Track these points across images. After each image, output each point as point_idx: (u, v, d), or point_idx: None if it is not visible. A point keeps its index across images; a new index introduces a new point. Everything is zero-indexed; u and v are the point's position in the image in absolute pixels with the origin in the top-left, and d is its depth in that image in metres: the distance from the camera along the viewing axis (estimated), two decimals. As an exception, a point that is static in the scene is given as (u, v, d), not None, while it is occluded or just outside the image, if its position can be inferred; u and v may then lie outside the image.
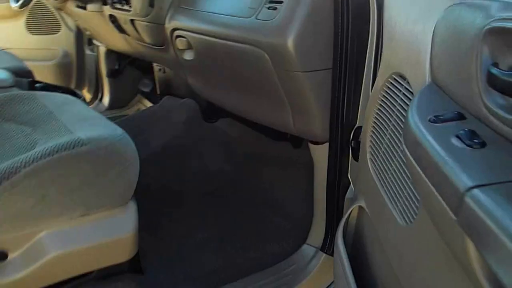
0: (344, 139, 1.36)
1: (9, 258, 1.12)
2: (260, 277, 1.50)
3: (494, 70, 0.57)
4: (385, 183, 0.96)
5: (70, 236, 1.17)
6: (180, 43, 1.72)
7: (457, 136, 0.60)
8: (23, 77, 1.91)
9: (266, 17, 1.31)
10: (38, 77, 2.13)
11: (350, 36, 1.23)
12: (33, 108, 1.49)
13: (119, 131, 1.30)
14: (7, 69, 1.89)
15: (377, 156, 1.02)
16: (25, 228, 1.12)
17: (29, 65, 2.61)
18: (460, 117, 0.65)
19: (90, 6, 2.22)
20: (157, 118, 2.20)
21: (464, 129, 0.61)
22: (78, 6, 2.34)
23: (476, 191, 0.50)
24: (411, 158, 0.66)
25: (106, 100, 2.98)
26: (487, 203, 0.47)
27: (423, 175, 0.61)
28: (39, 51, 2.94)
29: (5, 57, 2.23)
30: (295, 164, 1.80)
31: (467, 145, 0.58)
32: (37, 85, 1.85)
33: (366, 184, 1.11)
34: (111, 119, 1.45)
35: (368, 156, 1.09)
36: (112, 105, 2.97)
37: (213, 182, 1.92)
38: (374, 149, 1.06)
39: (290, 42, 1.24)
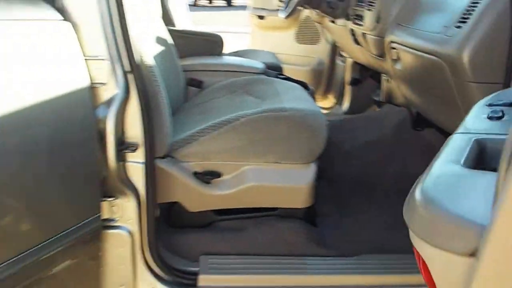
0: None
1: (221, 178, 1.63)
2: (404, 258, 1.69)
3: None
4: None
5: (263, 174, 1.63)
6: (393, 54, 2.03)
7: (490, 113, 0.82)
8: (273, 70, 2.48)
9: (452, 33, 1.54)
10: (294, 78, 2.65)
11: None
12: (267, 89, 2.02)
13: (316, 109, 1.70)
14: (264, 62, 2.49)
15: None
16: (235, 160, 1.61)
17: (289, 67, 3.25)
18: (509, 104, 0.85)
19: (338, 21, 2.69)
20: (372, 121, 2.52)
21: (500, 110, 0.82)
22: (331, 21, 2.83)
23: (455, 135, 0.74)
24: None
25: (345, 105, 3.41)
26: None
27: None
28: (300, 57, 3.57)
29: (267, 55, 2.90)
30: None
31: (488, 118, 0.80)
32: (280, 76, 2.39)
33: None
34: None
35: None
36: (349, 111, 3.38)
37: (402, 181, 2.15)
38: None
39: (465, 55, 1.44)
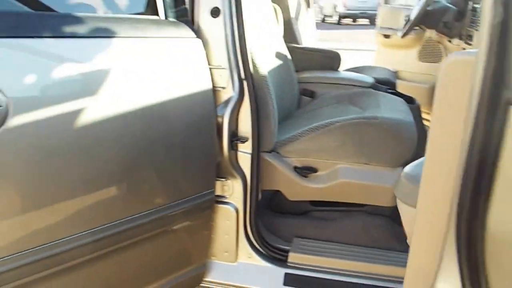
0: None
1: (317, 173, 1.90)
2: None
3: None
4: None
5: (354, 173, 1.86)
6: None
7: None
8: (384, 85, 2.68)
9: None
10: (413, 95, 2.72)
11: None
12: (371, 100, 2.24)
13: (408, 120, 1.89)
14: (375, 78, 2.71)
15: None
16: (329, 158, 1.88)
17: (409, 84, 3.40)
18: None
19: (453, 41, 2.81)
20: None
21: None
22: (448, 41, 2.96)
23: None
24: None
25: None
26: None
27: None
28: (421, 75, 3.68)
29: (382, 71, 3.09)
30: None
31: None
32: (388, 90, 2.58)
33: None
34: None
35: None
36: (466, 129, 3.42)
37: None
38: None
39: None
